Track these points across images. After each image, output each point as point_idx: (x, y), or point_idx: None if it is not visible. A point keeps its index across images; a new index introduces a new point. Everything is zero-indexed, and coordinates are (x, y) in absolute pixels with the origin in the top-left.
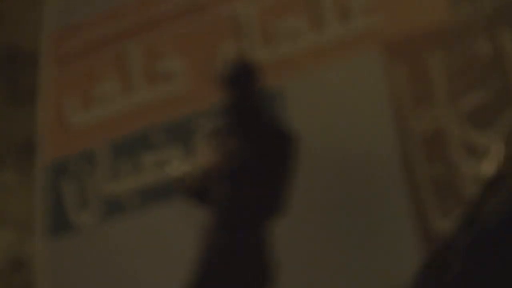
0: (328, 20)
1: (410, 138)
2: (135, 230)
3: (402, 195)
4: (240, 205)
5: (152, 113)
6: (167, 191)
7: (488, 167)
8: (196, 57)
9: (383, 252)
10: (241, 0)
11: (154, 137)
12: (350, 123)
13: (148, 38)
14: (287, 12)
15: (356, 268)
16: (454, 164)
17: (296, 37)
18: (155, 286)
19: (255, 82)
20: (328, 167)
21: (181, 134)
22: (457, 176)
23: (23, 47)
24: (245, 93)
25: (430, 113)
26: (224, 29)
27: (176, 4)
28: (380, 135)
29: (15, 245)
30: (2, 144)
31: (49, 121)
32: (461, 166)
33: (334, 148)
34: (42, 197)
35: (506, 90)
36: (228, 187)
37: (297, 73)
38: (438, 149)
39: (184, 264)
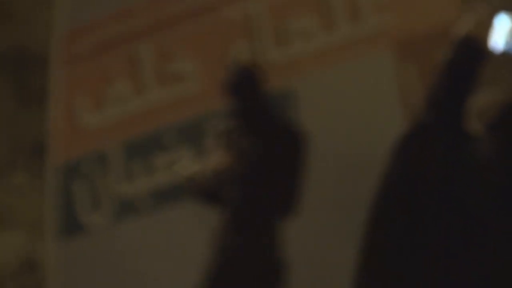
0: (339, 21)
1: None
2: (147, 231)
3: None
4: (251, 206)
5: (163, 114)
6: (179, 192)
7: None
8: (207, 58)
9: None
10: (252, 1)
11: (166, 138)
12: (361, 123)
13: (159, 39)
14: (298, 12)
15: None
16: None
17: (307, 37)
18: (167, 287)
19: (265, 83)
20: (339, 167)
21: (193, 135)
22: None
23: (34, 48)
24: (255, 93)
25: None
26: (235, 30)
27: (187, 5)
28: (391, 135)
29: (26, 247)
30: (13, 146)
31: (60, 123)
32: None
33: (345, 147)
34: (53, 199)
35: None
36: (239, 187)
37: (308, 73)
38: None
39: (196, 265)
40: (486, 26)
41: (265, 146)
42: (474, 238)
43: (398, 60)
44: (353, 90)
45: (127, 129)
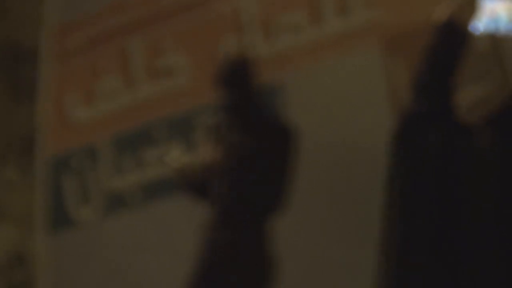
0: (328, 15)
1: None
2: (137, 225)
3: None
4: (240, 200)
5: (154, 108)
6: (169, 186)
7: None
8: (197, 52)
9: None
10: None
11: (156, 132)
12: (350, 118)
13: (149, 33)
14: (287, 7)
15: (358, 264)
16: None
17: (296, 32)
18: (157, 282)
19: (255, 77)
20: (328, 161)
21: (183, 129)
22: None
23: (25, 42)
24: (245, 87)
25: None
26: (225, 24)
27: None
28: (380, 130)
29: (16, 241)
30: (4, 140)
31: (51, 117)
32: None
33: (334, 142)
34: (43, 193)
35: (506, 84)
36: (228, 182)
37: (297, 67)
38: None
39: (187, 259)
40: (468, 8)
41: (254, 141)
42: (471, 229)
43: (386, 54)
44: (342, 84)
45: (117, 123)
